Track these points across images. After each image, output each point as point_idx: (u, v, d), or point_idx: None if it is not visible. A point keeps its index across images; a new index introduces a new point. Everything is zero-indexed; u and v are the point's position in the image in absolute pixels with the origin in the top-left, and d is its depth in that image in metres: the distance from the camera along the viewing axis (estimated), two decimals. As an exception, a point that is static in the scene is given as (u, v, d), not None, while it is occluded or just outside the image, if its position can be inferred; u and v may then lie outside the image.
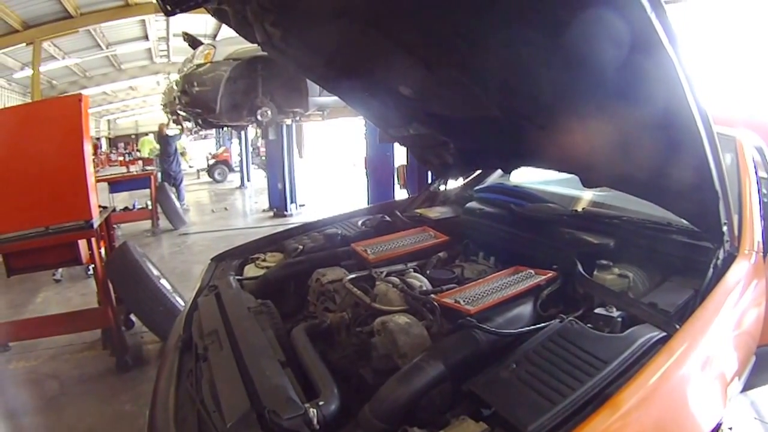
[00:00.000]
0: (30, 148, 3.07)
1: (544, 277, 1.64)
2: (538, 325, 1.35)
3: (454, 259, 2.15)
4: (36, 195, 3.11)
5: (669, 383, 1.10)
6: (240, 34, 2.19)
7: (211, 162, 15.64)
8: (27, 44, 8.97)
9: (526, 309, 1.50)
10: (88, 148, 3.18)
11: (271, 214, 9.05)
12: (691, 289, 1.50)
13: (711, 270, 1.51)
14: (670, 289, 1.57)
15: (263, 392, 1.16)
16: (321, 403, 1.13)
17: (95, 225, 3.19)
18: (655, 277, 1.70)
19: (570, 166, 1.91)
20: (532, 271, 1.71)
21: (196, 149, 19.31)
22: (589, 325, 1.33)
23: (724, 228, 1.53)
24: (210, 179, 15.24)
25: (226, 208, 10.16)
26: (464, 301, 1.50)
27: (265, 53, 2.36)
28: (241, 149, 14.04)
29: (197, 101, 5.24)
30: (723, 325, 1.40)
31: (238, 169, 14.65)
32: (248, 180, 13.67)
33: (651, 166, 1.45)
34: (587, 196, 2.44)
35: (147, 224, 7.87)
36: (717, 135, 1.32)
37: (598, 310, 1.38)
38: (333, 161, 17.44)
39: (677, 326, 1.28)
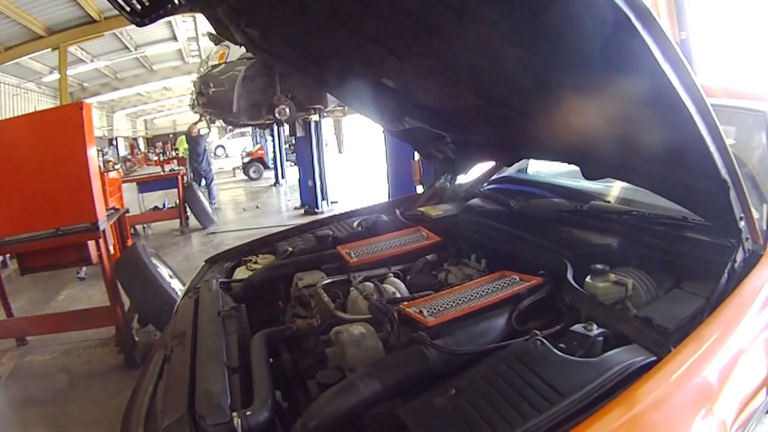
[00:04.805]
0: (39, 153, 3.20)
1: (526, 284, 1.45)
2: (500, 344, 1.18)
3: (444, 261, 1.99)
4: (46, 198, 3.24)
5: (641, 425, 0.90)
6: (224, 37, 2.15)
7: (246, 160, 15.87)
8: (52, 49, 9.34)
9: (497, 322, 1.32)
10: (92, 154, 3.26)
11: (302, 211, 9.03)
12: (703, 298, 1.27)
13: (725, 274, 1.27)
14: (678, 299, 1.34)
15: (199, 397, 1.16)
16: (248, 413, 1.09)
17: (101, 227, 3.25)
18: (666, 284, 1.47)
19: (565, 156, 1.72)
20: (517, 276, 1.53)
21: (233, 147, 19.68)
22: (561, 345, 1.14)
23: (741, 223, 1.28)
24: (245, 177, 15.48)
25: (257, 207, 10.22)
26: (431, 311, 1.35)
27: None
28: (274, 146, 14.15)
29: (214, 102, 5.29)
30: (736, 345, 1.16)
31: (273, 166, 14.82)
32: (282, 177, 13.75)
33: (644, 150, 1.23)
34: (612, 190, 2.19)
35: (177, 223, 8.04)
36: (744, 111, 1.08)
37: (574, 327, 1.17)
38: (372, 155, 17.33)
39: (672, 348, 1.07)
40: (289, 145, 15.16)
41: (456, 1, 1.11)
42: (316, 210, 8.71)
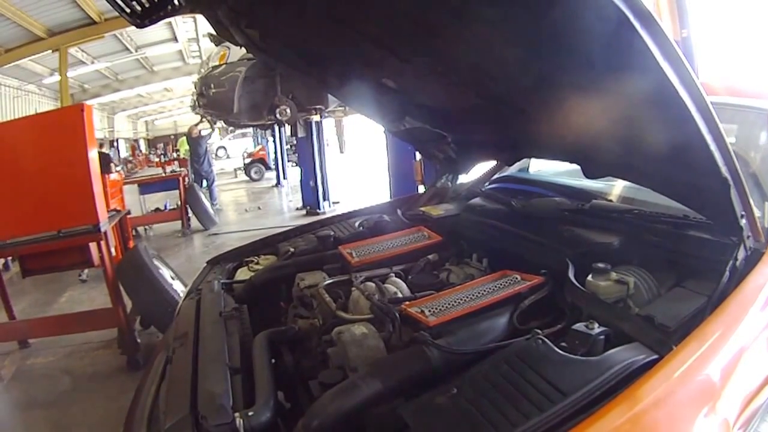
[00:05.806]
0: (40, 155, 3.20)
1: (528, 283, 1.45)
2: (502, 343, 1.18)
3: (445, 261, 1.99)
4: (48, 200, 3.24)
5: (643, 424, 0.90)
6: (224, 38, 2.17)
7: (248, 161, 15.85)
8: (53, 51, 9.36)
9: (499, 321, 1.32)
10: (93, 155, 3.26)
11: (304, 212, 9.03)
12: (704, 297, 1.26)
13: (727, 272, 1.26)
14: (680, 297, 1.33)
15: (201, 397, 1.17)
16: (251, 413, 1.11)
17: (102, 229, 3.25)
18: (668, 282, 1.47)
19: (566, 155, 1.72)
20: (518, 276, 1.53)
21: (235, 147, 19.66)
22: (563, 344, 1.13)
23: (743, 221, 1.28)
24: (247, 178, 15.47)
25: (259, 207, 10.23)
26: (432, 310, 1.35)
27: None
28: (275, 147, 14.15)
29: (215, 103, 5.29)
30: (738, 343, 1.16)
31: (274, 167, 14.81)
32: (284, 178, 13.73)
33: (645, 149, 1.23)
34: (613, 189, 2.19)
35: (179, 225, 8.05)
36: (746, 109, 1.08)
37: (576, 326, 1.17)
38: (374, 155, 17.29)
39: (673, 346, 1.06)
40: (291, 146, 15.09)
41: (456, 1, 1.11)
42: (318, 210, 8.70)
